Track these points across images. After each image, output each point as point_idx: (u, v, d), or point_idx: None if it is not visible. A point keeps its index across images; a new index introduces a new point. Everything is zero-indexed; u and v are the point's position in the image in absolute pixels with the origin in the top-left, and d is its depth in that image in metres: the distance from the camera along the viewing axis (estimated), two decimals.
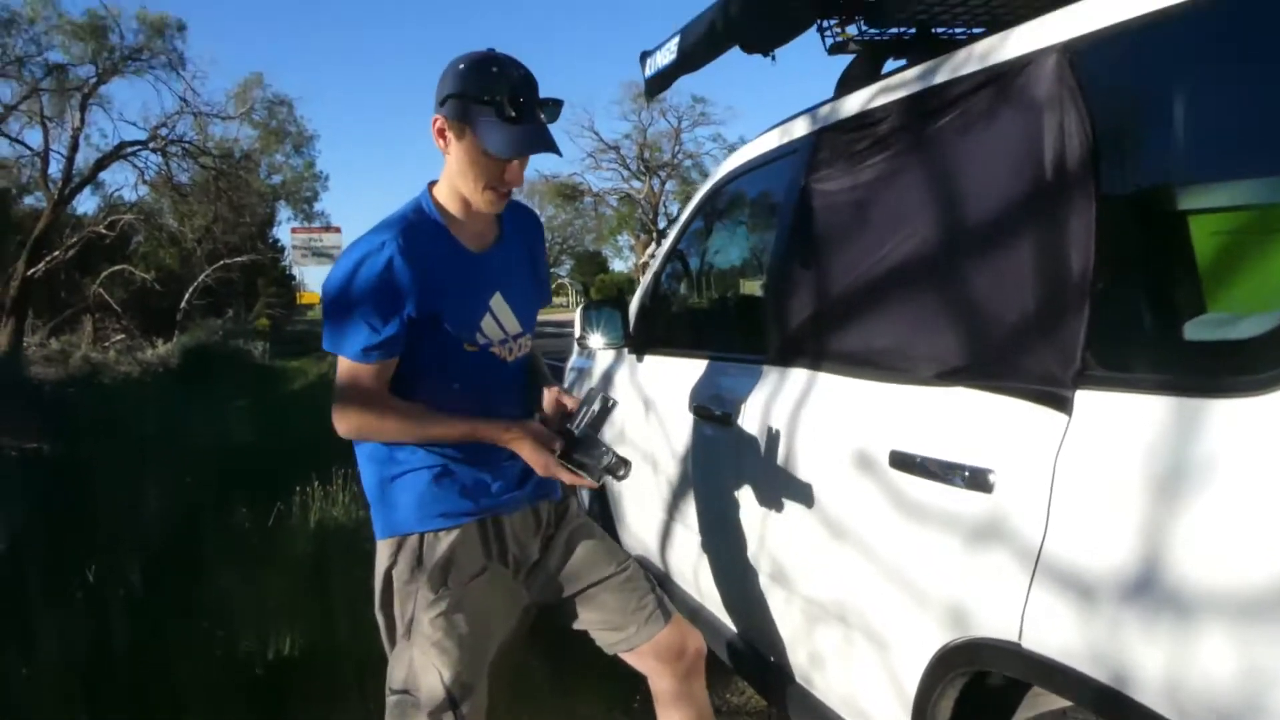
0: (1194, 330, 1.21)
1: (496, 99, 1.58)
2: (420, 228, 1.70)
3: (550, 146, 1.67)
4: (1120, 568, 1.11)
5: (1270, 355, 1.02)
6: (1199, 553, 1.02)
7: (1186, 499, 1.05)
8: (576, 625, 1.93)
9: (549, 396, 1.86)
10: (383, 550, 1.80)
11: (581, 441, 1.71)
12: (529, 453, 1.70)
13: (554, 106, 1.67)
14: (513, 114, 1.59)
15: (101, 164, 15.07)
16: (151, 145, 15.35)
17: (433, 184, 1.74)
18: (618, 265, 59.85)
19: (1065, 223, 1.29)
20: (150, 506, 4.95)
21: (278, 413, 10.36)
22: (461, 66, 1.62)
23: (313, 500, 4.90)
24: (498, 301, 1.78)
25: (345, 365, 1.68)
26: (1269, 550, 0.95)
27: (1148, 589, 1.07)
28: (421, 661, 1.74)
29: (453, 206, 1.73)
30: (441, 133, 1.65)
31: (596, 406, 1.73)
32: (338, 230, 28.97)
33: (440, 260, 1.70)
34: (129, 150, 15.24)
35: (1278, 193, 1.19)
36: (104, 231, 14.98)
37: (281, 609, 3.45)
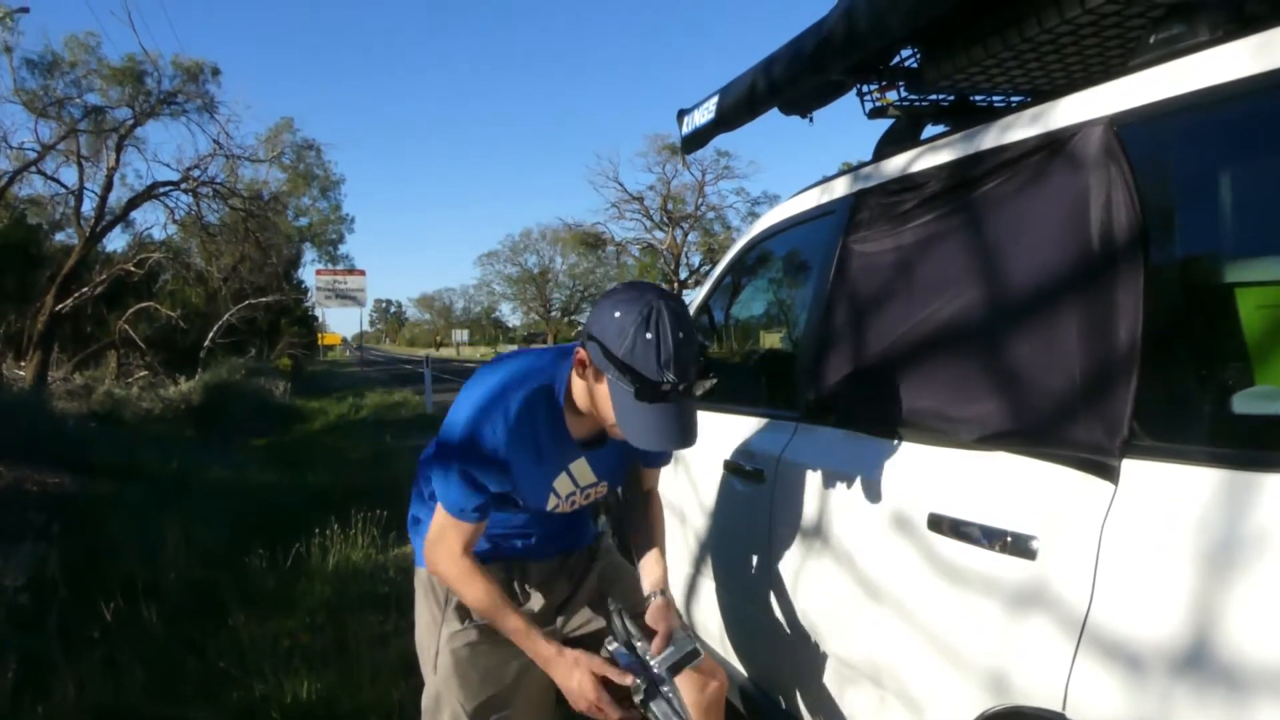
0: (1242, 403, 1.21)
1: (639, 378, 1.49)
2: (542, 410, 1.67)
3: (682, 441, 1.58)
4: (1168, 640, 1.10)
5: None
6: (1249, 628, 1.02)
7: (1236, 572, 1.05)
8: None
9: (656, 607, 1.82)
10: (418, 581, 1.92)
11: (656, 686, 1.69)
12: (571, 688, 1.68)
13: (704, 380, 1.57)
14: (652, 397, 1.50)
15: (134, 203, 15.33)
16: (183, 186, 15.63)
17: (578, 358, 1.62)
18: None
19: (1113, 290, 1.30)
20: (169, 546, 4.95)
21: (298, 452, 10.40)
22: (617, 315, 1.51)
23: (331, 543, 4.91)
24: (579, 465, 1.79)
25: (442, 513, 1.71)
26: None
27: (1197, 663, 1.06)
28: (445, 693, 1.78)
29: (580, 402, 1.66)
30: (583, 363, 1.59)
31: (687, 650, 1.73)
32: (362, 273, 29.34)
33: (547, 447, 1.71)
34: (161, 190, 15.52)
35: None
36: (132, 269, 15.19)
37: (298, 653, 3.44)
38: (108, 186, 14.81)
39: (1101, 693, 1.18)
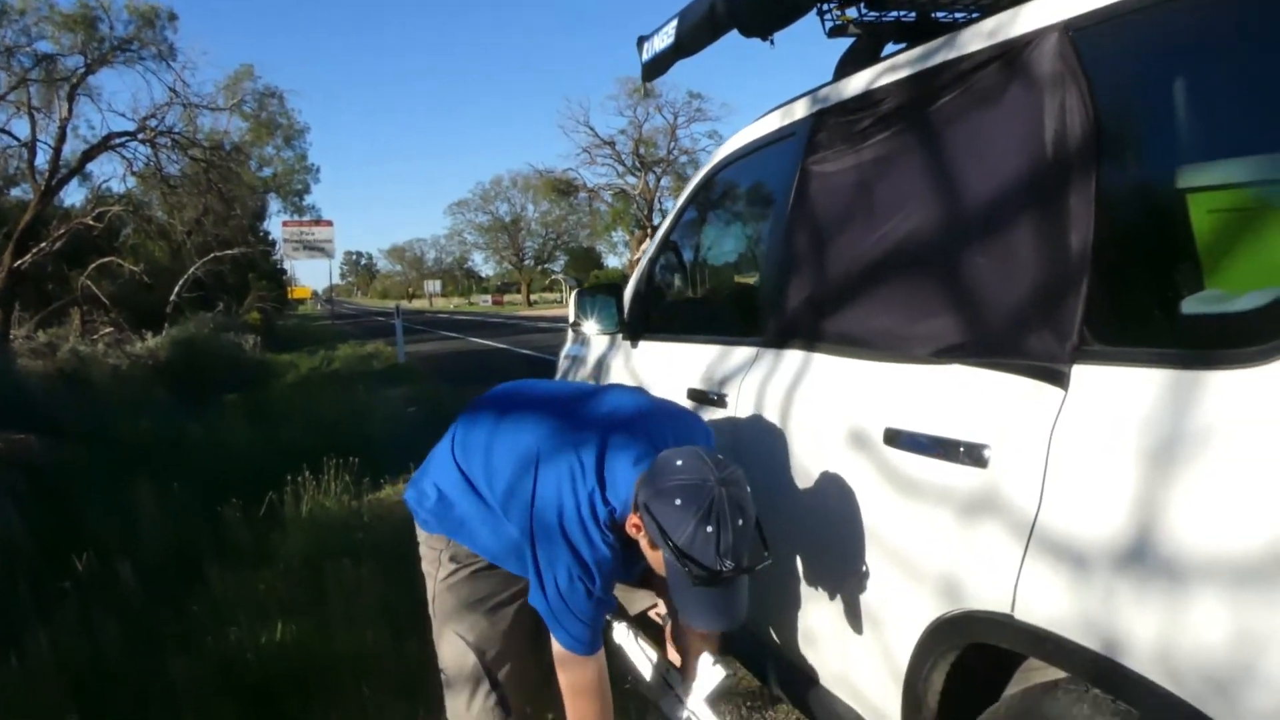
0: (1191, 306, 1.22)
1: (698, 566, 1.51)
2: (619, 553, 1.69)
3: (732, 622, 1.61)
4: (1113, 538, 1.12)
5: (1267, 328, 1.02)
6: (1192, 522, 1.03)
7: (1180, 469, 1.06)
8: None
9: (690, 630, 1.89)
10: (420, 537, 1.97)
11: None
12: None
13: (761, 561, 1.60)
14: (709, 584, 1.53)
15: (89, 155, 14.96)
16: (140, 136, 15.24)
17: (632, 522, 1.64)
18: (612, 261, 59.88)
19: (1065, 200, 1.30)
20: (141, 502, 4.92)
21: (270, 407, 10.32)
22: (678, 503, 1.51)
23: (304, 490, 4.90)
24: None
25: (571, 663, 1.71)
26: (1261, 518, 0.95)
27: (1141, 558, 1.08)
28: (448, 635, 1.82)
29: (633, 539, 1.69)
30: (638, 527, 1.61)
31: (721, 680, 1.82)
32: (329, 224, 28.93)
33: (625, 568, 1.75)
34: (117, 141, 15.14)
35: (1276, 170, 1.20)
36: (92, 223, 14.84)
37: (274, 602, 3.45)
38: (61, 138, 14.44)
39: (1047, 593, 1.20)
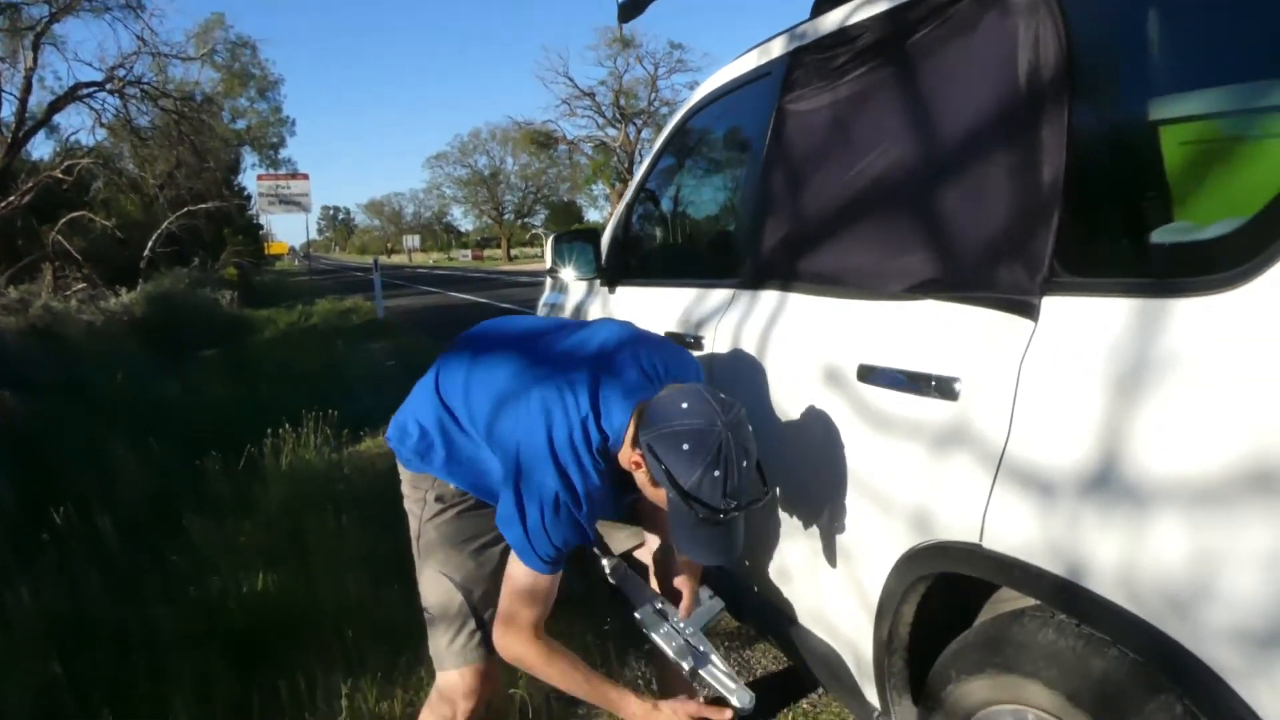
0: (1160, 237, 1.23)
1: (704, 508, 1.51)
2: (607, 483, 1.65)
3: (730, 558, 1.62)
4: (1079, 466, 1.13)
5: (1231, 254, 1.03)
6: (1155, 447, 1.05)
7: (1145, 395, 1.07)
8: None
9: (682, 564, 1.88)
10: (403, 476, 1.94)
11: (695, 649, 1.77)
12: None
13: (762, 498, 1.60)
14: (713, 523, 1.53)
15: (56, 106, 14.64)
16: (108, 87, 14.91)
17: (633, 459, 1.61)
18: (593, 215, 59.48)
19: (1038, 133, 1.30)
20: (119, 456, 4.90)
21: (248, 362, 10.26)
22: (685, 448, 1.50)
23: (284, 444, 4.89)
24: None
25: (520, 578, 1.66)
26: (1221, 441, 0.97)
27: (1105, 485, 1.10)
28: (433, 574, 1.82)
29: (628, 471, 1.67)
30: (638, 464, 1.58)
31: (716, 610, 1.83)
32: (305, 177, 28.49)
33: (612, 500, 1.72)
34: (84, 92, 14.81)
35: (1245, 100, 1.21)
36: (61, 176, 14.56)
37: (256, 552, 3.46)
38: (26, 89, 14.10)
39: (1015, 522, 1.22)
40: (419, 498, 1.89)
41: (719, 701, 1.71)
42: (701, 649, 1.76)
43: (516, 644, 1.67)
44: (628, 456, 1.60)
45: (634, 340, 1.77)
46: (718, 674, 1.73)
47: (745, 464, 1.52)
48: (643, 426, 1.55)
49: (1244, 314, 0.99)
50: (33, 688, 2.55)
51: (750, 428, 1.56)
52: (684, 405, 1.53)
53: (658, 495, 1.59)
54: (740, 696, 1.68)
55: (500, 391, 1.70)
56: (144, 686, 2.52)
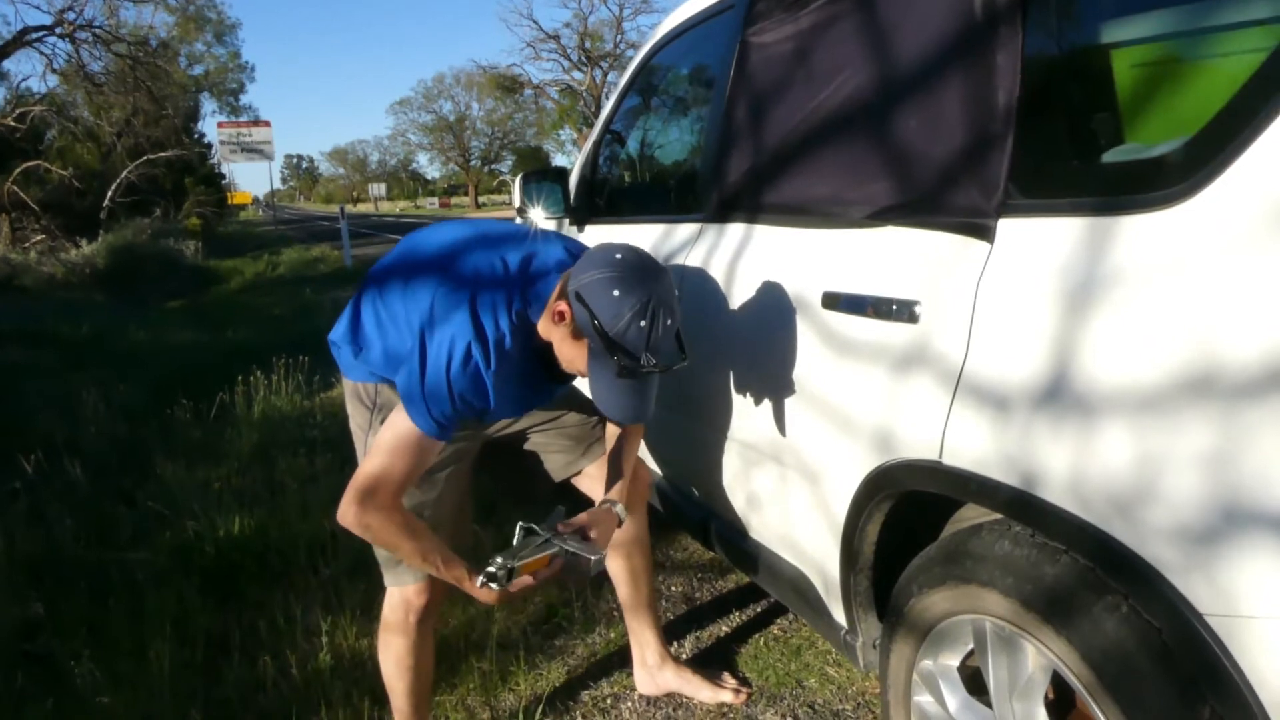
0: (1111, 157, 1.26)
1: (626, 356, 1.52)
2: (521, 354, 1.64)
3: (643, 416, 1.65)
4: (1032, 381, 1.17)
5: (1176, 171, 1.06)
6: (1103, 357, 1.08)
7: (1095, 309, 1.11)
8: (527, 446, 2.02)
9: (595, 510, 1.83)
10: (348, 390, 1.90)
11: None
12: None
13: (680, 361, 1.62)
14: (630, 375, 1.54)
15: (4, 51, 14.14)
16: (58, 31, 14.45)
17: (557, 310, 1.60)
18: (560, 160, 58.73)
19: (993, 57, 1.31)
20: (88, 404, 4.87)
21: (215, 312, 10.16)
22: (616, 294, 1.51)
23: (255, 391, 4.88)
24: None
25: (407, 438, 1.59)
26: (1164, 348, 1.01)
27: (1056, 397, 1.14)
28: None
29: (547, 339, 1.66)
30: (562, 315, 1.58)
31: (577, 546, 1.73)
32: (267, 125, 27.87)
33: (521, 384, 1.70)
34: (33, 36, 14.33)
35: (1196, 20, 1.23)
36: (13, 124, 14.17)
37: (230, 495, 3.47)
38: None
39: (972, 438, 1.27)
40: (364, 414, 1.86)
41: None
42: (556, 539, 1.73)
43: (376, 510, 1.58)
44: (549, 314, 1.60)
45: (563, 236, 1.82)
46: (568, 545, 1.71)
47: (670, 323, 1.56)
48: (572, 277, 1.58)
49: (1186, 229, 1.02)
50: (12, 629, 2.57)
51: (677, 293, 1.60)
52: (617, 256, 1.57)
53: (576, 355, 1.60)
54: (591, 549, 1.71)
55: (432, 274, 1.69)
56: (122, 627, 2.54)
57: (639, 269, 1.55)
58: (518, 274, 1.66)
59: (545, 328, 1.64)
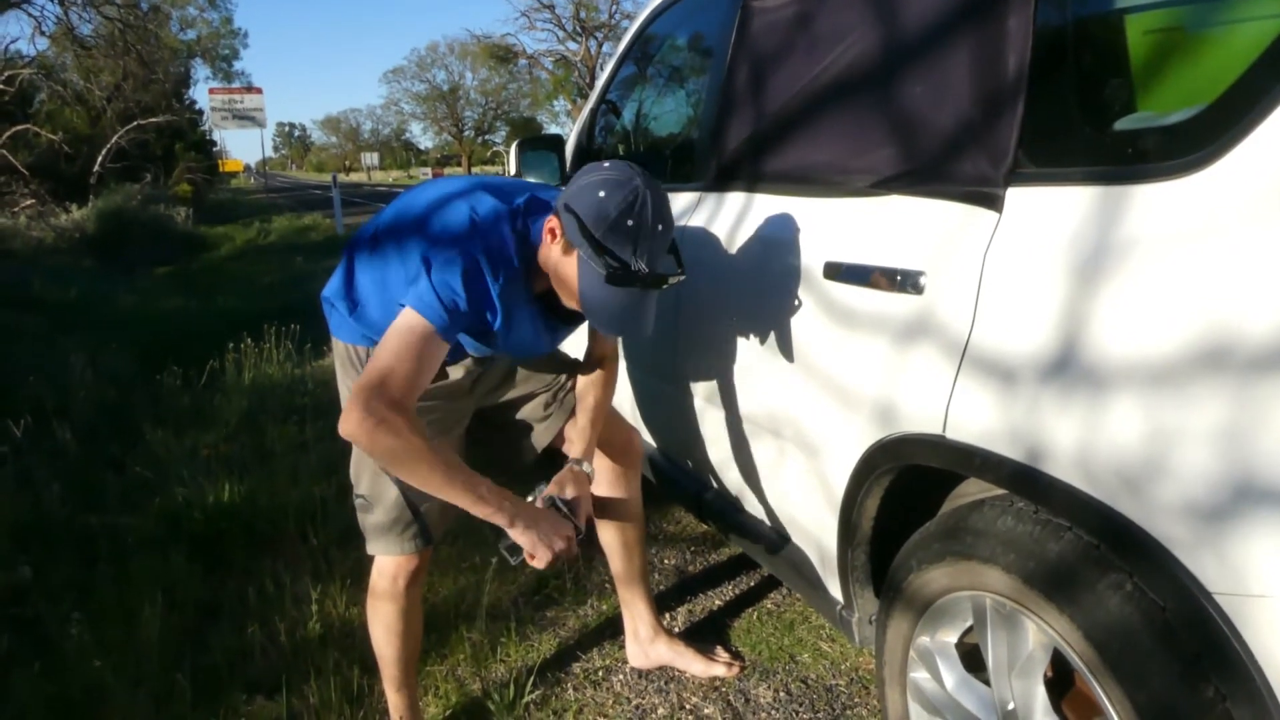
0: (1123, 125, 1.22)
1: (615, 261, 1.49)
2: (525, 287, 1.62)
3: (641, 332, 1.60)
4: (1039, 353, 1.15)
5: (1191, 140, 1.03)
6: (1113, 328, 1.06)
7: (1103, 280, 1.08)
8: (518, 416, 2.00)
9: (566, 473, 1.82)
10: (337, 354, 1.86)
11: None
12: (530, 541, 1.64)
13: (676, 276, 1.57)
14: (622, 282, 1.50)
15: None
16: None
17: (549, 226, 1.56)
18: (554, 131, 58.30)
19: (1004, 23, 1.27)
20: (77, 369, 4.82)
21: (206, 278, 10.09)
22: (601, 195, 1.48)
23: (246, 359, 4.84)
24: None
25: (411, 333, 1.50)
26: (1176, 321, 0.98)
27: (1064, 370, 1.11)
28: (370, 464, 1.78)
29: (545, 268, 1.62)
30: (554, 232, 1.54)
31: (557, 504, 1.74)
32: (259, 91, 27.62)
33: (527, 324, 1.69)
34: None
35: None
36: (2, 88, 13.96)
37: (219, 462, 3.45)
38: None
39: (977, 411, 1.24)
40: (353, 376, 1.80)
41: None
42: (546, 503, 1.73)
43: (386, 407, 1.44)
44: (547, 226, 1.57)
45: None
46: (563, 511, 1.72)
47: (661, 228, 1.52)
48: (563, 195, 1.56)
49: (1201, 199, 0.99)
50: (1, 594, 2.55)
51: (670, 205, 1.57)
52: (605, 165, 1.56)
53: (567, 272, 1.56)
54: (578, 510, 1.73)
55: (435, 215, 1.65)
56: (110, 593, 2.52)
57: (626, 172, 1.53)
58: (521, 207, 1.63)
59: (543, 255, 1.60)
